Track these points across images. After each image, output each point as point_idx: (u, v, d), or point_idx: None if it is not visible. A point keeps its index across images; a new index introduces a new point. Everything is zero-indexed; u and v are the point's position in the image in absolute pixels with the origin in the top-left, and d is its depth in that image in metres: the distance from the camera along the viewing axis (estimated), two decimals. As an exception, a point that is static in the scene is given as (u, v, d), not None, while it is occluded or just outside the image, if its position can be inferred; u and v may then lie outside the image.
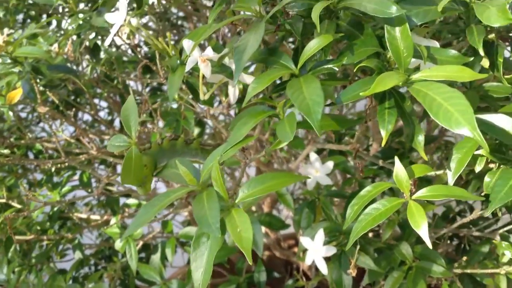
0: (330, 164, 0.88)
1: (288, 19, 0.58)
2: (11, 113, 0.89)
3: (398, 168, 0.57)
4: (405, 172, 0.57)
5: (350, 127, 1.09)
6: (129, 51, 1.22)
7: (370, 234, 1.01)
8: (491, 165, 0.62)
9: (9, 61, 0.73)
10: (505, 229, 1.00)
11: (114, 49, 1.12)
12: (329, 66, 0.54)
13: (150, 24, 1.34)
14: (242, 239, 0.47)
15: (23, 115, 1.26)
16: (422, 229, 0.54)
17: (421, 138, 0.55)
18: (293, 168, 0.90)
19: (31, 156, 1.22)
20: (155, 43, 0.62)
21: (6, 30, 0.77)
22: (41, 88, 0.82)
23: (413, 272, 0.85)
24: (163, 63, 0.65)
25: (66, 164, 0.79)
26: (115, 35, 0.88)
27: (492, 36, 0.61)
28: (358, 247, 0.81)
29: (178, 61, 0.62)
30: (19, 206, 0.99)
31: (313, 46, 0.53)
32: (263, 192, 0.52)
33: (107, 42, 0.62)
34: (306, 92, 0.50)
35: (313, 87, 0.50)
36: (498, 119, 0.59)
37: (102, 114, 1.48)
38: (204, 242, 0.50)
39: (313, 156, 0.88)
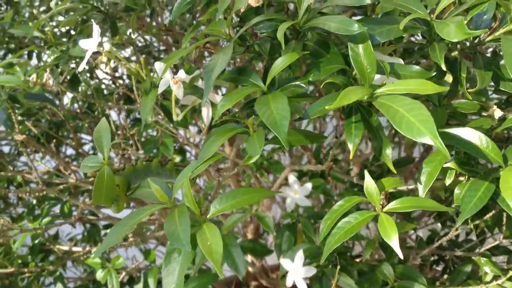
0: (308, 185, 0.89)
1: (257, 40, 0.60)
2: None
3: (368, 181, 0.58)
4: (375, 185, 0.58)
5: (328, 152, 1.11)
6: (112, 85, 1.24)
7: (357, 260, 1.01)
8: (461, 178, 0.64)
9: (-14, 90, 0.74)
10: (487, 247, 1.01)
11: (96, 81, 1.13)
12: (297, 83, 0.56)
13: (133, 58, 1.36)
14: (213, 252, 0.47)
15: (5, 149, 1.26)
16: (393, 241, 0.54)
17: (389, 151, 0.57)
18: (273, 190, 0.91)
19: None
20: (129, 67, 0.64)
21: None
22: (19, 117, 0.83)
23: (395, 291, 0.85)
24: (139, 86, 0.66)
25: (45, 193, 0.79)
26: (95, 67, 0.90)
27: (455, 53, 0.63)
28: (338, 267, 0.81)
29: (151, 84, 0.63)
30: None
31: (279, 63, 0.54)
32: (234, 206, 0.52)
33: (81, 67, 0.64)
34: (274, 107, 0.51)
35: (280, 102, 0.51)
36: (465, 133, 0.60)
37: (87, 148, 1.49)
38: (176, 258, 0.50)
39: (292, 178, 0.89)
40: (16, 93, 0.76)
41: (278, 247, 0.93)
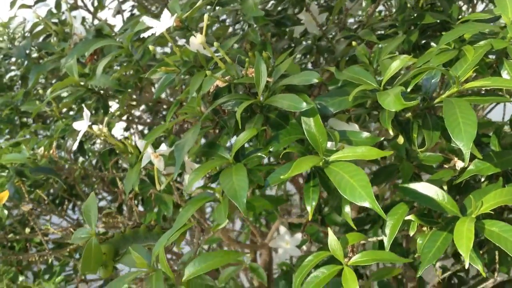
0: (298, 236, 0.94)
1: (225, 116, 0.67)
2: (5, 212, 0.97)
3: (331, 238, 0.63)
4: (338, 241, 0.63)
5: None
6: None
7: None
8: (424, 228, 0.68)
9: (-3, 167, 0.83)
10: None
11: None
12: (258, 154, 0.62)
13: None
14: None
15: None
16: (354, 293, 0.59)
17: (347, 209, 0.62)
18: (266, 242, 0.97)
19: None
20: (116, 143, 0.71)
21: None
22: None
23: None
24: (127, 159, 0.74)
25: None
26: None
27: (408, 115, 0.69)
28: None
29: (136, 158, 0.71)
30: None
31: (241, 138, 0.61)
32: (206, 269, 0.58)
33: (74, 147, 0.72)
34: (235, 179, 0.57)
35: (241, 174, 0.58)
36: (423, 187, 0.66)
37: (102, 203, 1.57)
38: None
39: (282, 229, 0.95)
40: (24, 167, 0.84)
41: (275, 295, 0.98)
